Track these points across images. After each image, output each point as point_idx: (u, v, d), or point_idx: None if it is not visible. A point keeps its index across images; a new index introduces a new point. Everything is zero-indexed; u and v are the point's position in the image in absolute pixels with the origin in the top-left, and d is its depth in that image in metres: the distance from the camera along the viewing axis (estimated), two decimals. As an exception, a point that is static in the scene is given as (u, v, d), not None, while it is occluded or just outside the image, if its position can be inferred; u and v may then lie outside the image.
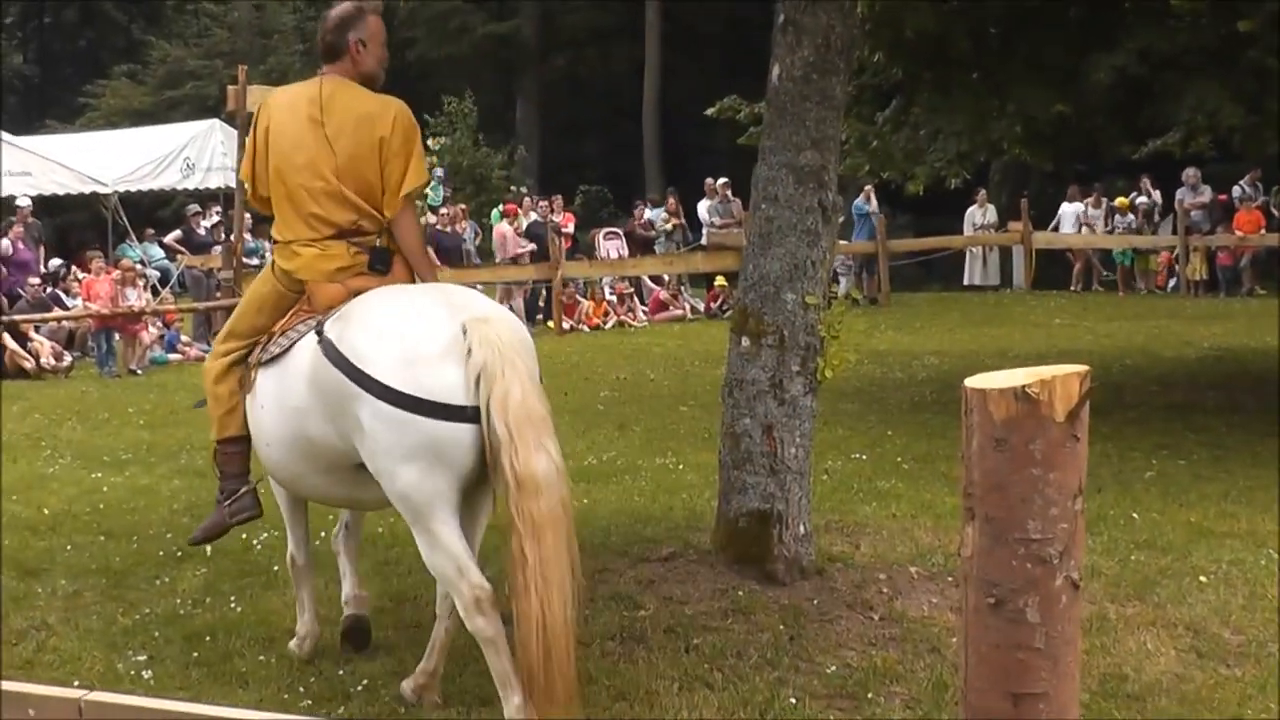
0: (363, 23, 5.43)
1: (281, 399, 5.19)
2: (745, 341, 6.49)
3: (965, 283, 28.22)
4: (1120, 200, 26.51)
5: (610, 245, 25.09)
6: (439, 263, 22.67)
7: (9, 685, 3.22)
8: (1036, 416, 2.30)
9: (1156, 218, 25.96)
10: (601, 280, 22.97)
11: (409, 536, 7.56)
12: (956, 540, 7.05)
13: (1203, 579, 6.52)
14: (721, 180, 24.83)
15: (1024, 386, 2.31)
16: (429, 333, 4.79)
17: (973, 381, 2.38)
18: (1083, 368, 2.39)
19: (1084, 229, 26.50)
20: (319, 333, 5.03)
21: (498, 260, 23.75)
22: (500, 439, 4.60)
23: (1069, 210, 26.99)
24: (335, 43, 5.43)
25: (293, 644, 5.90)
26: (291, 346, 5.20)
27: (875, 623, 5.88)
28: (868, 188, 24.91)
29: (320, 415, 4.99)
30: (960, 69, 12.23)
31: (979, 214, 27.89)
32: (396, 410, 4.70)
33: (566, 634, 4.57)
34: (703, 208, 25.61)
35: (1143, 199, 26.00)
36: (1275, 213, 24.72)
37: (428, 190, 28.14)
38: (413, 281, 5.46)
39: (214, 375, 5.59)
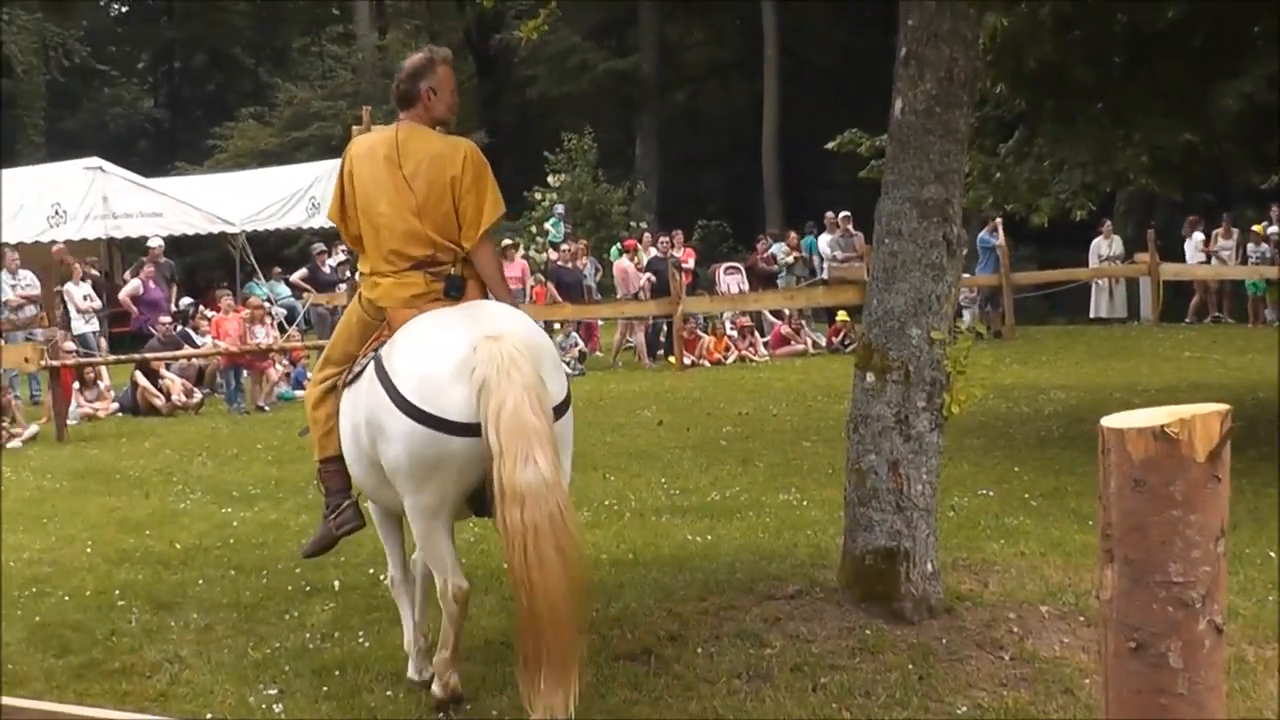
0: (433, 72, 5.86)
1: (354, 415, 5.66)
2: (870, 377, 6.44)
3: (1091, 315, 27.80)
4: (1257, 228, 25.96)
5: (731, 280, 25.06)
6: (560, 298, 23.00)
7: (144, 718, 3.28)
8: (1176, 457, 2.26)
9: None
10: (722, 315, 22.95)
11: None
12: (1087, 579, 6.94)
13: (1345, 619, 6.35)
14: (843, 214, 24.75)
15: (1163, 426, 2.27)
16: (444, 352, 5.22)
17: (1110, 421, 2.34)
18: (1223, 406, 2.34)
19: (1211, 259, 26.01)
20: (377, 353, 5.54)
21: (619, 295, 23.83)
22: (493, 451, 4.95)
23: (1192, 242, 26.54)
24: (409, 91, 5.86)
25: (410, 671, 5.98)
26: (363, 369, 5.64)
27: (1006, 662, 5.79)
28: (994, 220, 24.67)
29: (377, 428, 5.41)
30: (1084, 98, 12.08)
31: (1105, 245, 27.49)
32: (415, 424, 5.17)
33: (559, 637, 4.84)
34: (823, 241, 25.53)
35: (1273, 228, 25.46)
36: None
37: (548, 226, 28.47)
38: None
39: (313, 400, 6.12)
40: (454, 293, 5.73)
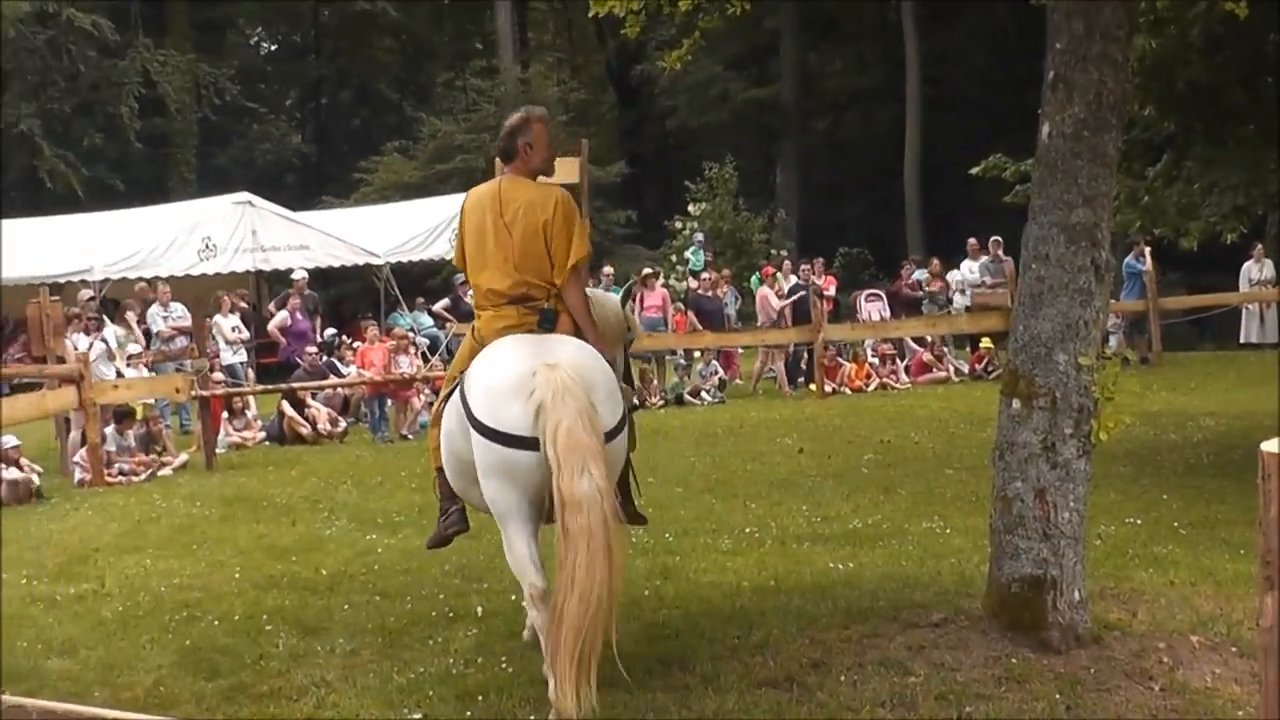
0: (529, 129, 6.59)
1: (446, 424, 6.40)
2: (1016, 404, 6.37)
3: (1241, 340, 27.18)
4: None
5: (872, 307, 24.90)
6: (701, 326, 23.03)
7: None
8: (1337, 479, 2.20)
9: None
10: (864, 342, 22.79)
11: (675, 600, 7.67)
12: (1240, 608, 6.78)
13: None
14: (994, 239, 24.43)
15: (1323, 448, 2.21)
16: (508, 375, 5.92)
17: (1269, 446, 2.29)
18: (1386, 427, 2.28)
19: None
20: (464, 372, 6.31)
21: (759, 323, 23.78)
22: (552, 464, 5.59)
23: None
24: (508, 147, 6.64)
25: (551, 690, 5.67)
26: (455, 385, 6.37)
27: (1156, 693, 5.68)
28: (1142, 245, 24.25)
29: (460, 436, 6.12)
30: (1235, 120, 11.89)
31: (1256, 269, 26.89)
32: (480, 436, 5.90)
33: (594, 633, 5.42)
34: (965, 268, 25.26)
35: None
36: None
37: (688, 255, 28.53)
38: (580, 336, 6.44)
39: (434, 416, 6.78)
40: (546, 325, 6.42)
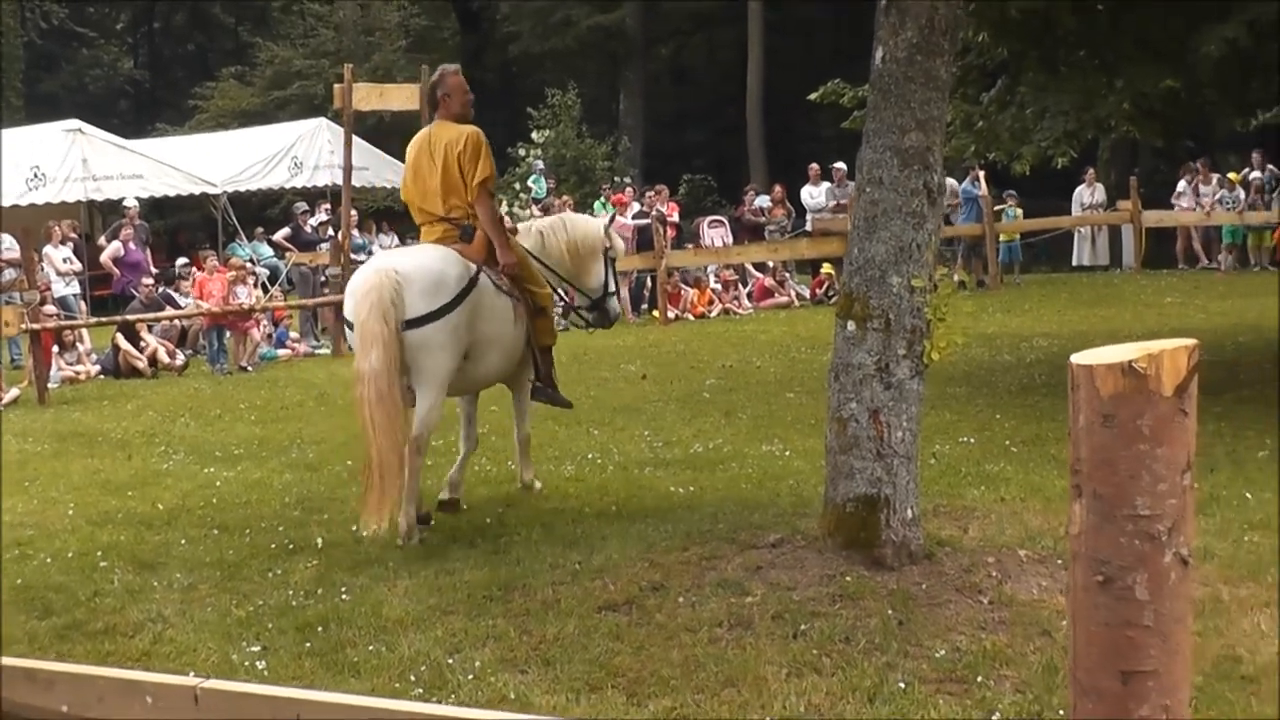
0: (445, 82, 8.22)
1: None
2: (851, 326, 6.44)
3: (1074, 263, 27.86)
4: (1232, 175, 26.00)
5: (715, 233, 25.04)
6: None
7: (127, 674, 3.28)
8: (1144, 391, 2.25)
9: (1268, 193, 25.39)
10: (706, 268, 22.93)
11: (517, 526, 7.69)
12: (1066, 522, 6.96)
13: (1320, 559, 6.39)
14: (837, 165, 24.63)
15: (1131, 362, 2.26)
16: (357, 279, 7.75)
17: (1079, 358, 2.34)
18: (1191, 341, 2.34)
19: (1198, 207, 26.04)
20: None
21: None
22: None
23: (1179, 189, 26.56)
24: (431, 98, 8.36)
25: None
26: None
27: (984, 607, 5.82)
28: (978, 170, 24.66)
29: None
30: (1067, 46, 12.08)
31: (1087, 193, 27.53)
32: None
33: (387, 472, 7.28)
34: (806, 193, 25.48)
35: (1256, 174, 25.47)
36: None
37: (530, 184, 28.38)
38: (490, 248, 8.03)
39: None
40: (466, 238, 8.01)
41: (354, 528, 7.75)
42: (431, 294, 7.50)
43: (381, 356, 7.24)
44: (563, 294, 9.22)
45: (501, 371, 8.27)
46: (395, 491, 7.30)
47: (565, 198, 26.55)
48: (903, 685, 5.04)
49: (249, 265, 21.42)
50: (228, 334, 18.36)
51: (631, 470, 9.36)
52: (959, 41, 7.79)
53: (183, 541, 8.00)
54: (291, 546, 7.69)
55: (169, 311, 19.13)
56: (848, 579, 6.07)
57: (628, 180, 30.50)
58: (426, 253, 7.88)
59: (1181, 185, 26.50)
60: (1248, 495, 7.58)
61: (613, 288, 9.32)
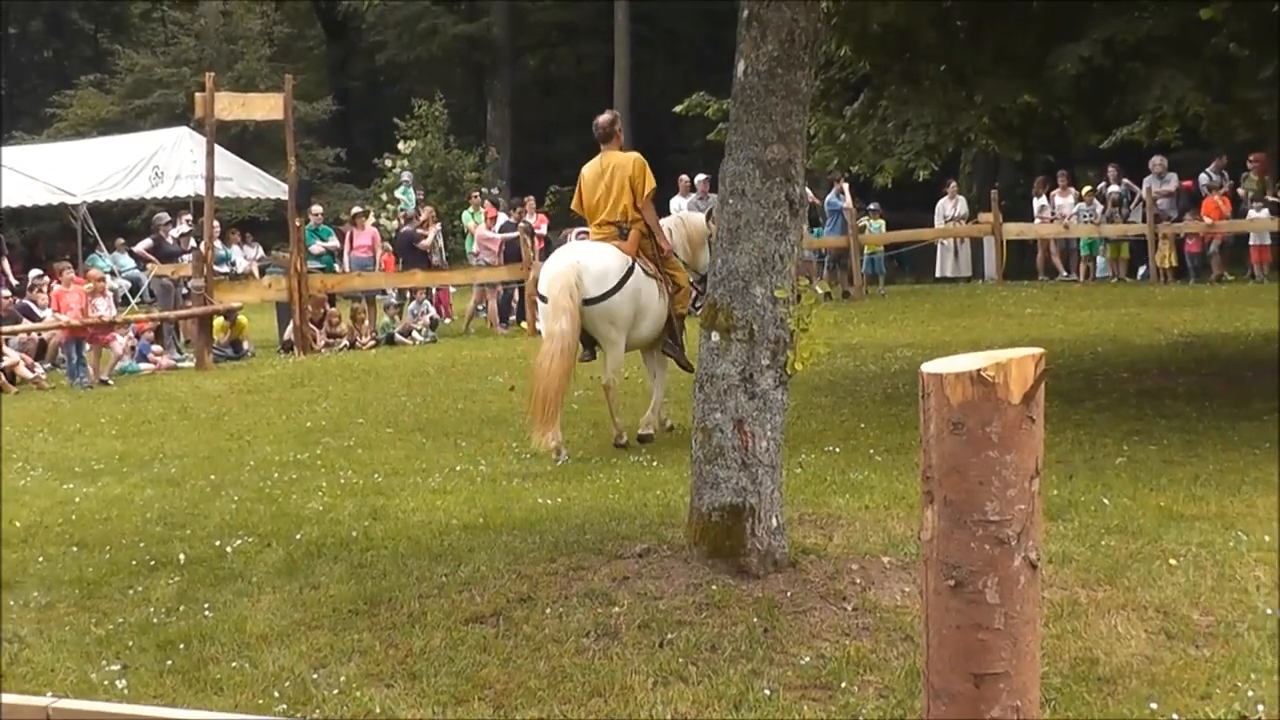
0: (615, 123, 10.91)
1: None
2: (715, 336, 6.48)
3: (937, 275, 28.30)
4: (1085, 189, 26.61)
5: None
6: (414, 265, 22.87)
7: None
8: (992, 400, 2.31)
9: (1125, 206, 26.00)
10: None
11: (384, 540, 7.64)
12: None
13: (1172, 562, 6.54)
14: (700, 177, 24.78)
15: (979, 370, 2.32)
16: (549, 265, 10.68)
17: (930, 366, 2.39)
18: (1038, 350, 2.40)
19: (1054, 220, 26.59)
20: None
21: (485, 261, 23.64)
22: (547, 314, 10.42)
23: (1038, 203, 27.09)
24: (607, 134, 10.78)
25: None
26: None
27: (848, 613, 5.89)
28: (842, 183, 24.97)
29: None
30: (927, 61, 12.27)
31: (950, 206, 28.00)
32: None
33: (549, 404, 9.92)
34: (675, 204, 25.59)
35: (1114, 188, 26.08)
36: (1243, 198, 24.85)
37: (399, 195, 28.22)
38: (649, 244, 10.68)
39: None
40: (623, 236, 10.48)
41: (228, 548, 7.64)
42: (601, 280, 10.16)
43: (568, 323, 9.95)
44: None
45: (653, 334, 10.71)
46: (555, 418, 9.89)
47: (431, 209, 26.44)
48: (768, 692, 5.09)
49: (106, 277, 21.00)
50: (87, 347, 17.99)
51: (499, 482, 9.33)
52: (821, 55, 7.92)
53: (40, 559, 7.82)
54: (153, 563, 7.55)
55: (26, 324, 18.70)
56: (714, 588, 6.11)
57: (495, 191, 30.46)
58: (598, 249, 10.46)
59: (1042, 200, 26.97)
60: (1105, 501, 7.75)
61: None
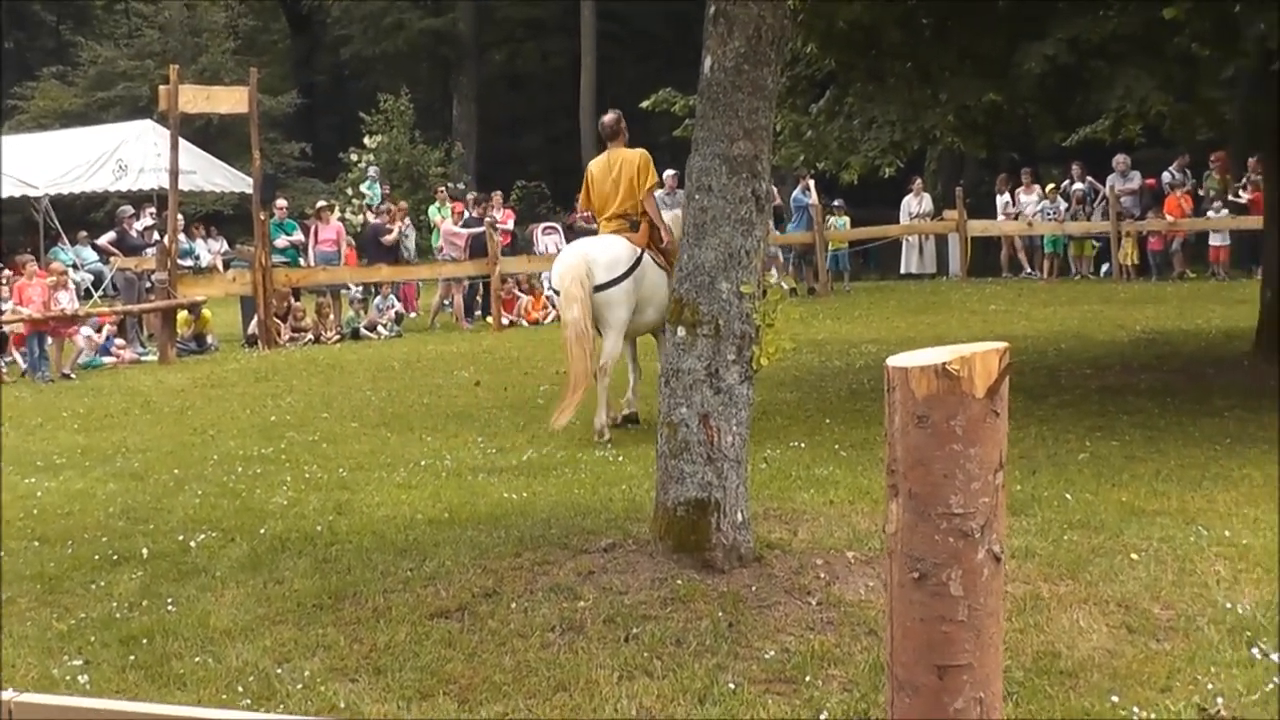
0: (620, 121, 11.37)
1: None
2: (681, 331, 6.49)
3: (902, 271, 28.42)
4: (1049, 188, 26.76)
5: (549, 240, 25.04)
6: (378, 260, 22.82)
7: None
8: (957, 393, 2.32)
9: (1089, 204, 26.15)
10: (540, 275, 22.93)
11: (349, 535, 7.62)
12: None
13: (1134, 556, 6.59)
14: (669, 173, 24.76)
15: (944, 364, 2.33)
16: (561, 257, 11.33)
17: (895, 360, 2.41)
18: (1002, 344, 2.42)
19: (1018, 218, 26.72)
20: None
21: (450, 256, 23.61)
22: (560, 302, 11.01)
23: (1002, 200, 27.21)
24: (614, 132, 11.34)
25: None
26: None
27: (813, 608, 5.91)
28: (808, 180, 25.01)
29: None
30: (893, 59, 12.31)
31: (915, 203, 28.09)
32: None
33: (576, 387, 10.40)
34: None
35: (1078, 186, 26.21)
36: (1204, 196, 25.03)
37: (365, 190, 28.15)
38: (655, 234, 10.99)
39: None
40: (633, 229, 10.95)
41: (191, 543, 7.61)
42: (610, 269, 10.63)
43: (579, 310, 10.45)
44: None
45: (657, 322, 10.70)
46: (578, 398, 10.38)
47: (402, 204, 26.38)
48: (732, 686, 5.10)
49: (71, 271, 20.87)
50: (49, 340, 17.88)
51: (464, 476, 9.32)
52: (787, 52, 7.92)
53: (1, 554, 7.77)
54: (115, 558, 7.51)
55: (-13, 317, 18.56)
56: (679, 582, 6.12)
57: (461, 186, 30.40)
58: (608, 240, 10.91)
59: (1006, 198, 27.09)
60: (1068, 496, 7.79)
61: None
